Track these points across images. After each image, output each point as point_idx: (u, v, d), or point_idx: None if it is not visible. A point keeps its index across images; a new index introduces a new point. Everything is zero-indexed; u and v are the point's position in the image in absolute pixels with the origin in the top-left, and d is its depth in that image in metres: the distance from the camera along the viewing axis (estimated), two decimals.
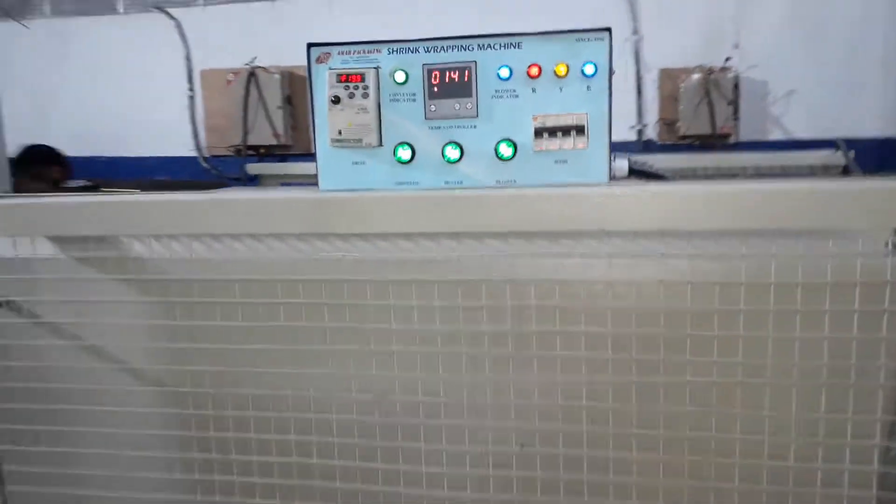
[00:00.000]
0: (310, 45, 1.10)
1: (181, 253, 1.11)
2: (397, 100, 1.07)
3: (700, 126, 3.59)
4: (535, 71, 1.03)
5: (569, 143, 1.03)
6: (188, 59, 4.77)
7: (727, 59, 3.66)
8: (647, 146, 3.82)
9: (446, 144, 1.06)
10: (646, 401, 0.98)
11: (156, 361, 1.11)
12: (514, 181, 1.05)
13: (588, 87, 1.03)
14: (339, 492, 1.06)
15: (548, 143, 1.03)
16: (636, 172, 1.18)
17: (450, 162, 1.07)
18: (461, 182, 1.07)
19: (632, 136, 3.92)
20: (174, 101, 4.87)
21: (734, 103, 3.61)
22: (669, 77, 3.76)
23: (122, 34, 5.13)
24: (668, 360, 0.97)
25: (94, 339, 1.11)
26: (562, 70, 1.03)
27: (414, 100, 1.07)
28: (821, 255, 0.93)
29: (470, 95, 1.05)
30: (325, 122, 1.09)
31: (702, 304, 0.97)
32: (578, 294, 1.00)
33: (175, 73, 4.83)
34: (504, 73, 1.04)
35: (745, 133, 3.66)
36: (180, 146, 4.85)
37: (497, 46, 1.04)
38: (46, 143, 3.43)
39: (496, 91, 1.05)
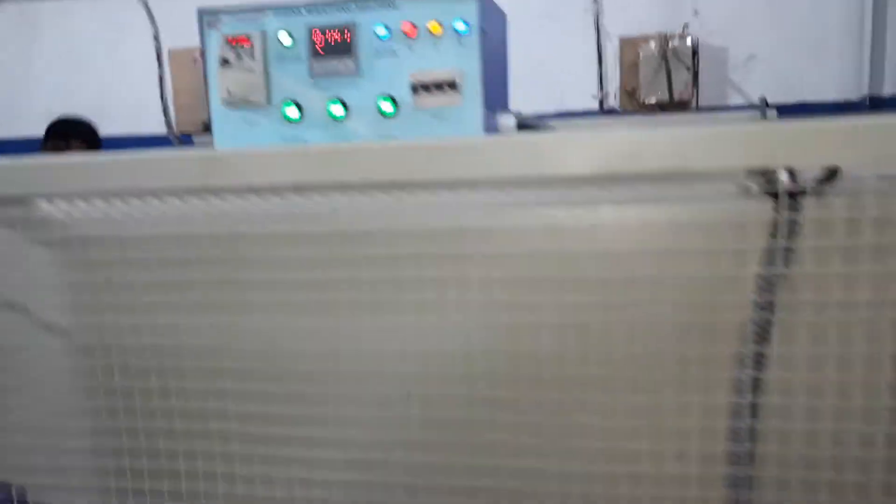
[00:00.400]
0: (200, 11, 1.14)
1: (88, 213, 1.16)
2: (284, 60, 1.12)
3: (659, 93, 3.62)
4: (410, 29, 1.08)
5: (444, 98, 1.07)
6: (157, 38, 4.79)
7: (685, 26, 3.68)
8: (607, 115, 3.86)
9: (331, 102, 1.11)
10: (512, 342, 1.04)
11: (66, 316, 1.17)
12: (397, 137, 1.10)
13: (461, 44, 1.07)
14: (236, 434, 1.12)
15: (425, 100, 1.08)
16: (523, 126, 1.22)
17: (335, 119, 1.11)
18: (347, 139, 1.12)
19: (594, 105, 3.96)
20: (145, 81, 4.89)
21: (693, 70, 3.64)
22: (630, 45, 3.78)
23: (91, 16, 5.14)
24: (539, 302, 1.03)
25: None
26: (435, 28, 1.07)
27: (299, 60, 1.11)
28: (669, 197, 0.98)
29: (351, 54, 1.10)
30: (217, 84, 1.14)
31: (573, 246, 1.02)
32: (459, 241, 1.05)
33: (145, 53, 4.84)
34: (382, 31, 1.09)
35: (705, 99, 3.70)
36: (153, 125, 4.88)
37: (375, 7, 1.09)
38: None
39: (376, 50, 1.09)
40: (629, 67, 3.78)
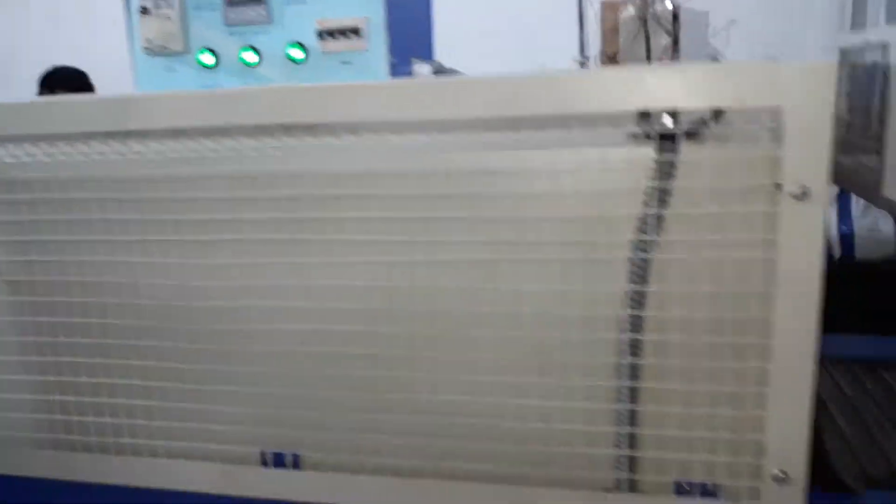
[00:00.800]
0: None
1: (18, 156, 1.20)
2: (200, 8, 1.15)
3: (638, 58, 3.60)
4: None
5: (349, 44, 1.10)
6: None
7: None
8: None
9: (243, 49, 1.14)
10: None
11: None
12: (307, 83, 1.14)
13: None
14: (153, 371, 1.17)
15: (332, 45, 1.11)
16: (439, 72, 1.25)
17: (248, 66, 1.15)
18: (260, 85, 1.15)
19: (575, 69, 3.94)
20: (120, 42, 4.91)
21: (673, 34, 3.61)
22: (611, 9, 3.75)
23: None
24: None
25: None
26: None
27: (214, 7, 1.15)
28: (559, 141, 1.00)
29: (262, 2, 1.13)
30: (137, 32, 1.17)
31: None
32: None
33: (118, 13, 4.85)
34: None
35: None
36: (129, 85, 4.90)
37: None
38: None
39: None
40: (610, 32, 3.76)
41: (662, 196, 0.97)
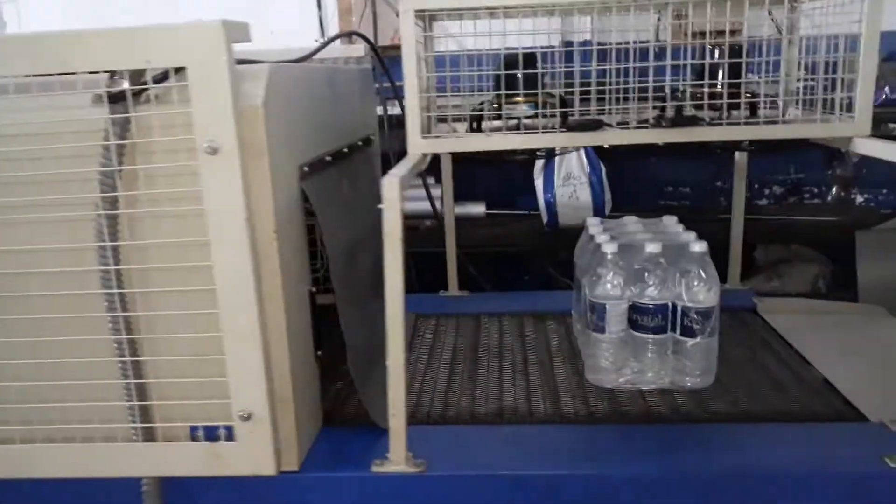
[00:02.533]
0: None
1: None
2: None
3: (370, 37, 3.70)
4: None
5: None
6: None
7: None
8: None
9: None
10: None
11: None
12: None
13: None
14: None
15: None
16: None
17: None
18: None
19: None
20: None
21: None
22: None
23: None
24: None
25: None
26: None
27: None
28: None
29: None
30: None
31: None
32: None
33: None
34: None
35: None
36: None
37: None
38: None
39: None
40: (345, 12, 3.84)
41: (114, 154, 1.00)
